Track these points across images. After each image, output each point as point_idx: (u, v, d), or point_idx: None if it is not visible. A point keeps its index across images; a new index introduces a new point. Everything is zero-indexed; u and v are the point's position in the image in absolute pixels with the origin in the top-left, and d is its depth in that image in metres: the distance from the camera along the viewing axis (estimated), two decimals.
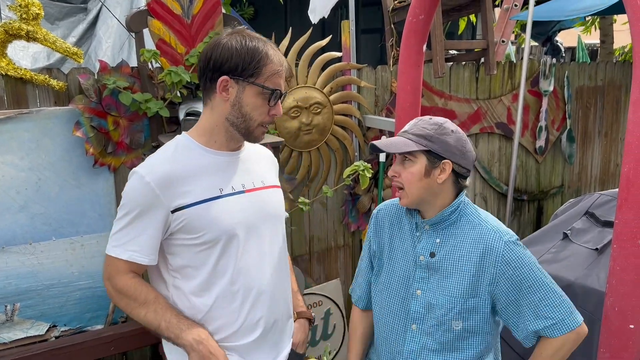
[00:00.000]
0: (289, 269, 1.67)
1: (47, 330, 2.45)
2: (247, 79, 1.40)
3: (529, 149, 3.85)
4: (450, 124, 1.54)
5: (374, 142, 1.55)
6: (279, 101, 1.47)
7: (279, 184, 1.67)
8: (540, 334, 1.53)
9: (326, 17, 3.49)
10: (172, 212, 1.40)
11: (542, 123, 3.82)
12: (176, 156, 1.45)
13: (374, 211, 1.73)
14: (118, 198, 2.53)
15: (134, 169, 1.45)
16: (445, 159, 1.49)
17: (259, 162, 1.61)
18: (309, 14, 3.54)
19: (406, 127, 1.55)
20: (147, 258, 1.43)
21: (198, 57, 2.47)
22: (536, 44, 7.55)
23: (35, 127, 2.30)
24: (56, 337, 2.46)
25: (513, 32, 4.96)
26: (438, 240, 1.54)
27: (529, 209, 3.98)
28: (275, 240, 1.56)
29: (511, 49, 6.51)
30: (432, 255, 1.53)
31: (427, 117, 1.56)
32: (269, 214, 1.55)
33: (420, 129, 1.51)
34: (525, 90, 3.49)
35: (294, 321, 1.69)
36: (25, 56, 3.89)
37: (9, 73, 2.22)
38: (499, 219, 3.91)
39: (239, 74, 1.40)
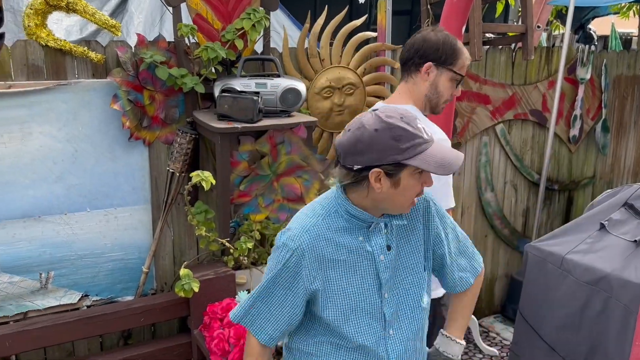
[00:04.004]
0: None
1: (80, 299, 2.50)
2: (446, 66, 1.88)
3: (562, 138, 3.78)
4: None
5: (426, 168, 1.29)
6: (460, 85, 1.93)
7: None
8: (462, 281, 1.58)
9: None
10: None
11: (577, 112, 3.74)
12: None
13: (293, 246, 1.37)
14: (152, 172, 2.55)
15: (444, 137, 1.82)
16: None
17: None
18: None
19: (419, 132, 1.31)
20: None
21: (234, 33, 2.46)
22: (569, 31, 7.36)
23: (73, 98, 2.32)
24: (88, 307, 2.51)
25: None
26: (385, 231, 1.42)
27: (559, 199, 3.91)
28: None
29: (542, 36, 6.36)
30: (389, 248, 1.42)
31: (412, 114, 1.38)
32: None
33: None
34: (562, 77, 3.41)
35: None
36: (59, 29, 3.91)
37: (49, 44, 2.24)
38: (529, 208, 3.86)
39: (442, 62, 1.87)
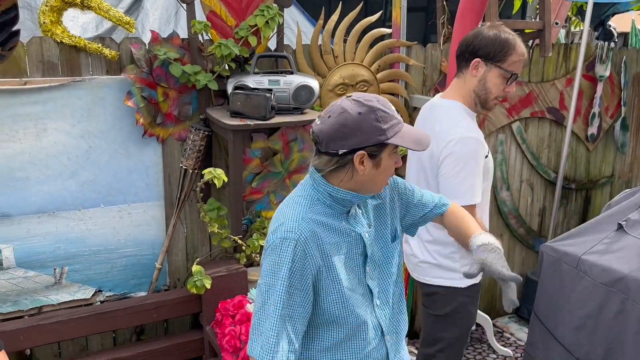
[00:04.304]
0: None
1: (93, 295, 2.52)
2: (495, 62, 1.88)
3: (580, 136, 3.72)
4: None
5: (406, 145, 1.33)
6: (514, 82, 1.92)
7: None
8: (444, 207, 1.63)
9: None
10: None
11: (596, 109, 3.67)
12: None
13: (294, 236, 1.32)
14: (165, 168, 2.55)
15: (467, 135, 1.88)
16: None
17: None
18: None
19: (394, 114, 1.35)
20: None
21: (247, 30, 2.45)
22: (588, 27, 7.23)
23: (88, 95, 2.33)
24: (101, 302, 2.53)
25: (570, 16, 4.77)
26: (361, 211, 1.47)
27: (576, 198, 3.85)
28: None
29: (561, 33, 6.26)
30: (370, 225, 1.47)
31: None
32: None
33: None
34: (580, 74, 3.35)
35: None
36: (75, 26, 3.93)
37: (63, 41, 2.25)
38: (545, 207, 3.79)
39: (490, 58, 1.88)
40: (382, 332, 1.48)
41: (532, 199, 3.66)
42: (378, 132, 1.30)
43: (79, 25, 3.97)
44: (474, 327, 3.44)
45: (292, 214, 1.36)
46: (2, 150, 2.23)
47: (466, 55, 1.93)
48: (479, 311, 3.36)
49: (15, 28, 1.98)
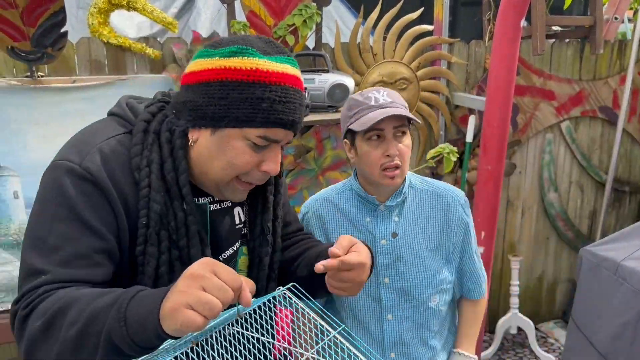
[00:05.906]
0: None
1: None
2: None
3: (635, 137, 3.53)
4: None
5: (359, 128, 1.34)
6: None
7: None
8: (465, 295, 1.58)
9: None
10: None
11: None
12: None
13: (304, 211, 1.52)
14: None
15: None
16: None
17: None
18: None
19: (387, 97, 1.35)
20: None
21: (285, 29, 2.49)
22: None
23: (132, 92, 2.41)
24: None
25: (630, 8, 4.52)
26: (396, 219, 1.44)
27: (630, 202, 3.67)
28: None
29: (628, 27, 5.95)
30: (394, 235, 1.43)
31: (382, 88, 1.41)
32: None
33: (399, 98, 1.38)
34: (635, 71, 3.19)
35: None
36: (131, 25, 4.11)
37: (110, 41, 2.37)
38: (596, 210, 3.63)
39: None
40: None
41: (582, 201, 3.53)
42: (346, 120, 1.39)
43: (135, 24, 4.15)
44: (515, 331, 3.36)
45: (319, 193, 1.56)
46: (53, 145, 2.36)
47: None
48: (521, 315, 3.28)
49: (63, 30, 2.11)
